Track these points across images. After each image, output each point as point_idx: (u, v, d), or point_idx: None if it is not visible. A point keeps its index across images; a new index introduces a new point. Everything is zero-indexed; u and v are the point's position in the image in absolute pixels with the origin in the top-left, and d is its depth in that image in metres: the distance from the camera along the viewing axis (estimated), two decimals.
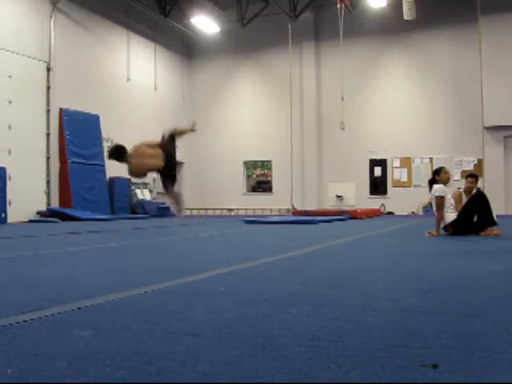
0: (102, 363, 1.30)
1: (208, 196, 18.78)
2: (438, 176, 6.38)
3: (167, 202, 8.03)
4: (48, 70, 13.33)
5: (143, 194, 16.18)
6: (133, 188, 15.44)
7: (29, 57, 12.79)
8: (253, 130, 18.49)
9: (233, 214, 18.01)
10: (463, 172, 15.07)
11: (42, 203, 13.03)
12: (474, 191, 6.57)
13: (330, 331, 1.60)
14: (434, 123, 16.31)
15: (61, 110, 13.57)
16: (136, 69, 16.74)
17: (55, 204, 13.36)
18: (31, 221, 12.33)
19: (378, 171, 17.08)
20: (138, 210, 15.43)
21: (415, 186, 16.41)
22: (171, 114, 18.35)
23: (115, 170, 13.85)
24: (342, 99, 15.36)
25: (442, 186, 6.27)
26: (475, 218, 6.19)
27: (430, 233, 6.28)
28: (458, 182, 14.35)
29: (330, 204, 17.34)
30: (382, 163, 17.01)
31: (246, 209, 18.16)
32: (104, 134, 14.92)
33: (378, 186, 17.10)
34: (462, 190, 6.89)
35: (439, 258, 3.95)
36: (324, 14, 17.41)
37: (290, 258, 3.92)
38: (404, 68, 16.86)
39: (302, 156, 17.67)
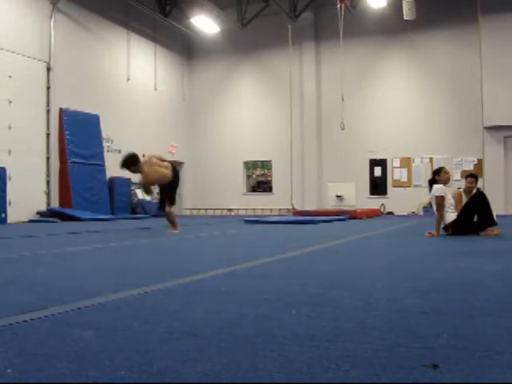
0: (102, 363, 1.30)
1: (208, 196, 18.78)
2: (438, 176, 6.38)
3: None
4: (48, 69, 13.33)
5: (143, 194, 16.17)
6: (133, 188, 15.44)
7: (29, 57, 12.80)
8: (253, 130, 18.50)
9: (233, 214, 18.01)
10: (463, 172, 15.07)
11: (41, 203, 13.03)
12: (474, 191, 6.58)
13: (330, 331, 1.60)
14: (434, 123, 16.31)
15: (61, 110, 13.58)
16: (136, 69, 16.74)
17: (55, 204, 13.36)
18: (31, 221, 12.33)
19: (378, 171, 17.08)
20: (138, 210, 15.43)
21: (415, 186, 16.41)
22: (171, 113, 18.37)
23: (115, 170, 13.86)
24: (342, 99, 15.36)
25: (442, 186, 6.27)
26: (475, 218, 6.19)
27: (430, 233, 6.28)
28: (458, 182, 14.36)
29: (330, 204, 17.33)
30: (382, 163, 17.01)
31: (246, 209, 18.16)
32: (104, 134, 14.93)
33: (378, 186, 17.10)
34: (461, 190, 6.89)
35: (439, 258, 3.95)
36: (324, 14, 17.41)
37: (290, 258, 3.92)
38: (404, 68, 16.86)
39: (302, 156, 17.67)
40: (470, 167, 15.66)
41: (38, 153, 13.03)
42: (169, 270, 3.27)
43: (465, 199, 6.51)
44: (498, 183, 15.05)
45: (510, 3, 14.73)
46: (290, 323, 1.72)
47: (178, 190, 8.25)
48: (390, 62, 16.99)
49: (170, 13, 16.63)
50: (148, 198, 6.92)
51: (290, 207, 17.14)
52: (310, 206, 16.86)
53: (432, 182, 6.42)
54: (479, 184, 8.01)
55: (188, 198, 18.98)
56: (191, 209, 18.94)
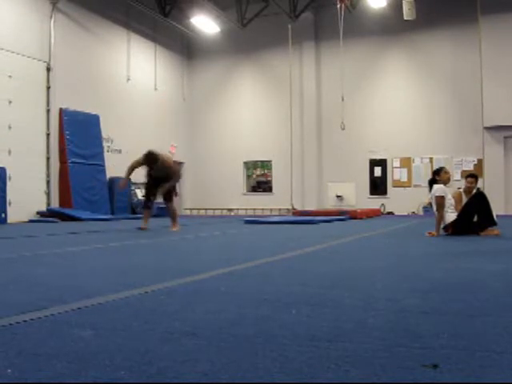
0: (102, 363, 1.30)
1: (208, 196, 18.79)
2: (438, 176, 6.38)
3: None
4: (48, 69, 13.32)
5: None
6: (133, 188, 15.44)
7: (29, 57, 12.79)
8: (253, 130, 18.50)
9: (233, 214, 18.01)
10: (463, 172, 15.07)
11: (42, 203, 13.03)
12: (474, 191, 6.58)
13: (330, 331, 1.60)
14: (433, 123, 16.31)
15: (61, 110, 13.58)
16: (136, 69, 16.74)
17: (55, 204, 13.36)
18: (31, 221, 12.33)
19: (377, 171, 17.08)
20: (138, 210, 15.41)
21: (415, 186, 16.42)
22: (171, 113, 18.37)
23: (115, 170, 13.87)
24: (342, 99, 15.35)
25: (442, 186, 6.27)
26: (475, 218, 6.20)
27: (430, 233, 6.28)
28: (458, 182, 14.36)
29: (330, 204, 17.34)
30: (382, 163, 17.01)
31: (246, 209, 18.16)
32: (104, 134, 14.93)
33: (378, 186, 17.10)
34: (461, 190, 6.89)
35: (439, 258, 3.95)
36: (324, 14, 17.41)
37: (290, 258, 3.92)
38: (404, 68, 16.86)
39: (302, 156, 17.67)
40: (470, 167, 15.66)
41: (38, 153, 13.03)
42: (169, 270, 3.27)
43: (465, 199, 6.51)
44: (498, 183, 15.05)
45: (509, 3, 14.73)
46: (289, 323, 1.72)
47: (178, 190, 8.82)
48: (389, 62, 16.99)
49: (170, 13, 16.62)
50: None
51: (290, 207, 17.14)
52: (310, 206, 16.87)
53: (432, 182, 6.42)
54: (479, 184, 8.01)
55: (188, 198, 18.98)
56: (191, 209, 18.95)
